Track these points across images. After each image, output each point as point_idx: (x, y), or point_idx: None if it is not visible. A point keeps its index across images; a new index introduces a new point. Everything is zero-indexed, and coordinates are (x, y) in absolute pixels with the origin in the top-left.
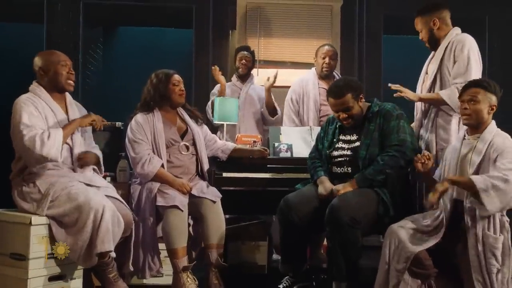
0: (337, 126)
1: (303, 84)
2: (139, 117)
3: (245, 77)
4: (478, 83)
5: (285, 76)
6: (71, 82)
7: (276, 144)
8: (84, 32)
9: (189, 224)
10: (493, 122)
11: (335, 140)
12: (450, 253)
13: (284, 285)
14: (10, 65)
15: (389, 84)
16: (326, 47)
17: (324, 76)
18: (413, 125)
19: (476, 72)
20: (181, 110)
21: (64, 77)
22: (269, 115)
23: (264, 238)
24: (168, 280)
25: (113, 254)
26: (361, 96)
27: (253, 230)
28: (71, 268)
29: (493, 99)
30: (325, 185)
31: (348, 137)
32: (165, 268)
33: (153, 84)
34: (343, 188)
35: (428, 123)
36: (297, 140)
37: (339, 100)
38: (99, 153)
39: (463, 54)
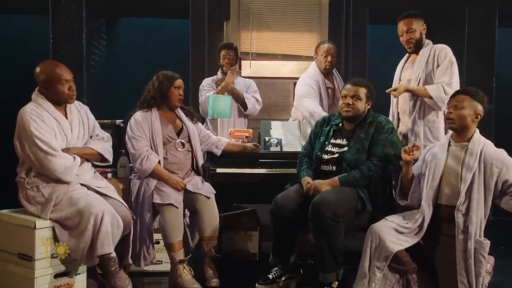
0: (332, 129)
1: (310, 74)
2: (138, 115)
3: None
4: (466, 91)
5: (276, 68)
6: (73, 97)
7: (267, 139)
8: (87, 24)
9: (185, 215)
10: (477, 131)
11: (326, 142)
12: (428, 254)
13: (273, 275)
14: (16, 57)
15: (387, 91)
16: (327, 45)
17: (326, 72)
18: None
19: (457, 73)
20: (178, 109)
21: (66, 94)
22: (242, 109)
23: (255, 228)
24: (166, 267)
25: (113, 255)
26: (370, 101)
27: (245, 221)
28: (75, 264)
29: (479, 108)
30: (309, 181)
31: (338, 141)
32: (164, 255)
33: (156, 82)
34: (324, 185)
35: (417, 118)
36: (286, 134)
37: (354, 87)
38: (99, 145)
39: (446, 59)
